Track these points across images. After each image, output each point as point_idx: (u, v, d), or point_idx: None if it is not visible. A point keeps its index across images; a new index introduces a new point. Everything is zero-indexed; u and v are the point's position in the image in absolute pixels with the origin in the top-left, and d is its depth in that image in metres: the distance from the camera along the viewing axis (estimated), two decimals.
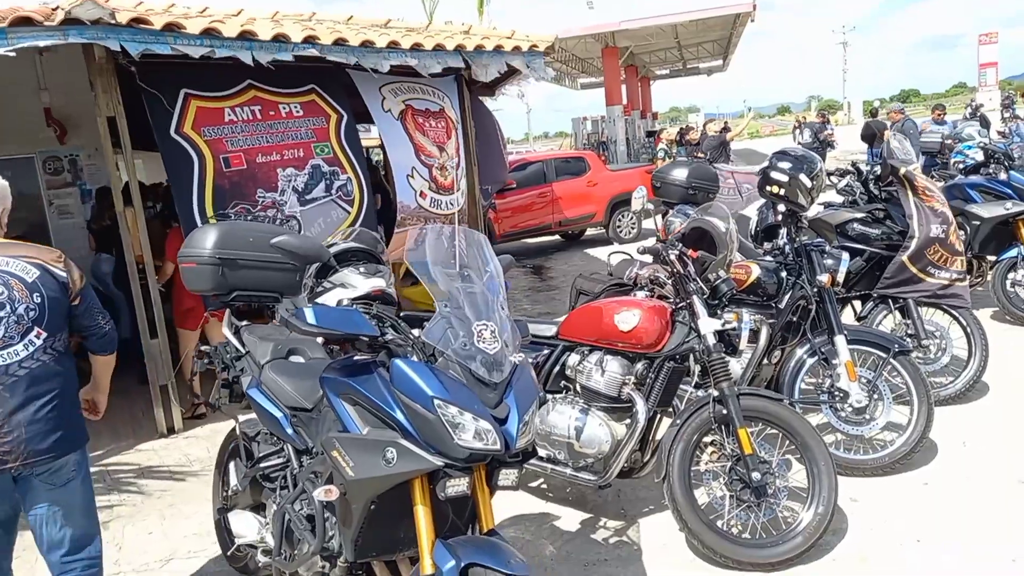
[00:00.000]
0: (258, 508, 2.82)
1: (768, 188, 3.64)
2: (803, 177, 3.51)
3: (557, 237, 13.16)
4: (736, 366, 3.87)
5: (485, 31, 7.04)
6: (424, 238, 2.36)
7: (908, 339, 4.34)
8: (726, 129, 15.39)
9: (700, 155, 13.18)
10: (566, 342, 3.41)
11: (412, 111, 6.19)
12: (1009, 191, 5.60)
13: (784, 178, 3.54)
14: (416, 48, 5.74)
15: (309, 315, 2.05)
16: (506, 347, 2.16)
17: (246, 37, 4.75)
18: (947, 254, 4.15)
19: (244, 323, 3.00)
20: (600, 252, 10.72)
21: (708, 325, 3.03)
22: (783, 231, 3.88)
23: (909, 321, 4.32)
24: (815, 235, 4.69)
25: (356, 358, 2.24)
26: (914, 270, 4.16)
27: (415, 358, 2.13)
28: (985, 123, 9.77)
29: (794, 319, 3.90)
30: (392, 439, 2.04)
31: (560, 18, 32.57)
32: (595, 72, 42.72)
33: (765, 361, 3.91)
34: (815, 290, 3.65)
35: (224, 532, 3.08)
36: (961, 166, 6.27)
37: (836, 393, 3.60)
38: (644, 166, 12.88)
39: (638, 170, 12.61)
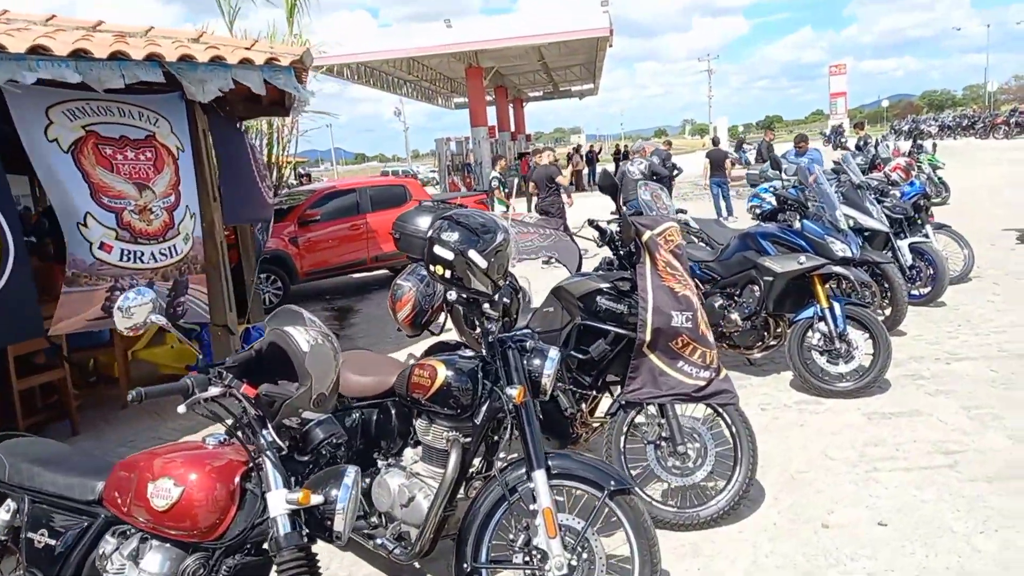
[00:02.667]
0: None
1: (432, 268, 2.60)
2: (474, 255, 2.48)
3: (384, 272, 11.95)
4: (422, 501, 2.84)
5: (218, 39, 5.78)
6: None
7: (663, 443, 3.44)
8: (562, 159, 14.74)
9: (530, 189, 12.34)
10: (108, 514, 2.20)
11: (96, 139, 4.82)
12: (803, 243, 4.91)
13: (448, 255, 2.51)
14: (81, 55, 4.41)
15: None
16: None
17: None
18: (699, 347, 3.28)
19: None
20: None
21: (279, 502, 1.93)
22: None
23: (664, 420, 3.42)
24: (561, 306, 3.74)
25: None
26: (663, 367, 3.26)
27: None
28: (776, 164, 9.13)
29: (495, 438, 2.90)
30: None
31: (421, 35, 30.78)
32: (467, 92, 42.18)
33: (462, 494, 2.89)
34: (511, 404, 2.64)
35: None
36: (758, 211, 5.59)
37: (533, 553, 2.59)
38: (475, 195, 11.89)
39: (467, 200, 11.61)
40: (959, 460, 3.76)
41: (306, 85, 6.29)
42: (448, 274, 2.55)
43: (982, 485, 3.48)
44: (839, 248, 4.77)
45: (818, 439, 4.19)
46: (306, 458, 2.05)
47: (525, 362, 2.73)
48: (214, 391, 1.90)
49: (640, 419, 3.51)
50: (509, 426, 2.69)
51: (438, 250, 2.54)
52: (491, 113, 39.94)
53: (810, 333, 4.90)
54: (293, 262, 9.86)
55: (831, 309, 4.79)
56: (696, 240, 6.41)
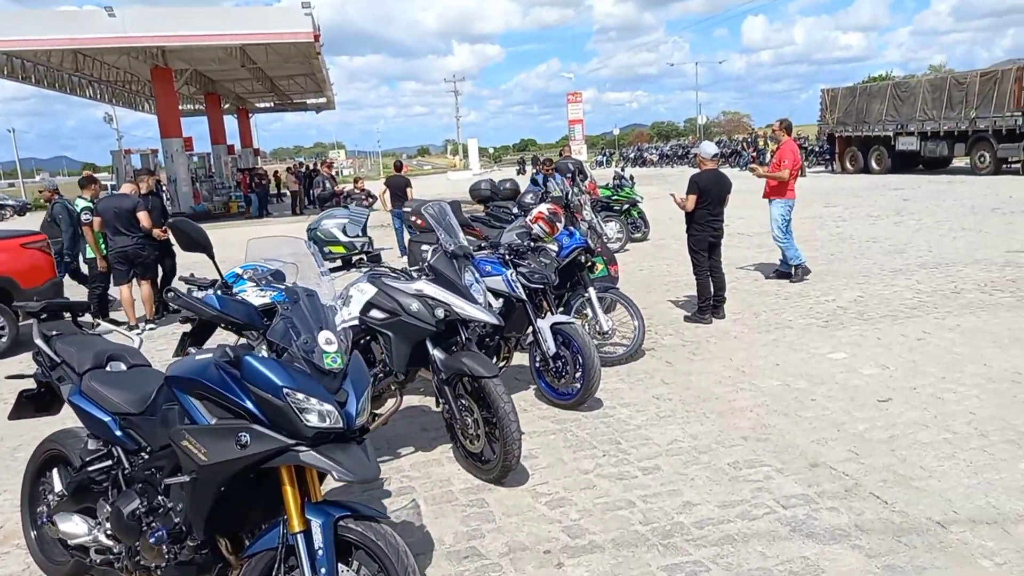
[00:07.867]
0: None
1: None
2: None
3: None
4: None
5: None
6: None
7: None
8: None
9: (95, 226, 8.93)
10: None
11: None
12: (249, 404, 2.43)
13: None
14: None
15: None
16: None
17: None
18: None
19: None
20: None
21: None
22: None
23: None
24: None
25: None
26: None
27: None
28: (343, 200, 6.61)
29: None
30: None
31: (80, 23, 24.57)
32: (184, 99, 36.86)
33: None
34: None
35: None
36: None
37: None
38: (23, 236, 8.23)
39: (11, 243, 7.94)
40: None
41: None
42: None
43: None
44: (312, 416, 2.36)
45: None
46: None
47: None
48: None
49: None
50: None
51: None
52: (203, 124, 35.10)
53: None
54: None
55: (307, 533, 2.38)
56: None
